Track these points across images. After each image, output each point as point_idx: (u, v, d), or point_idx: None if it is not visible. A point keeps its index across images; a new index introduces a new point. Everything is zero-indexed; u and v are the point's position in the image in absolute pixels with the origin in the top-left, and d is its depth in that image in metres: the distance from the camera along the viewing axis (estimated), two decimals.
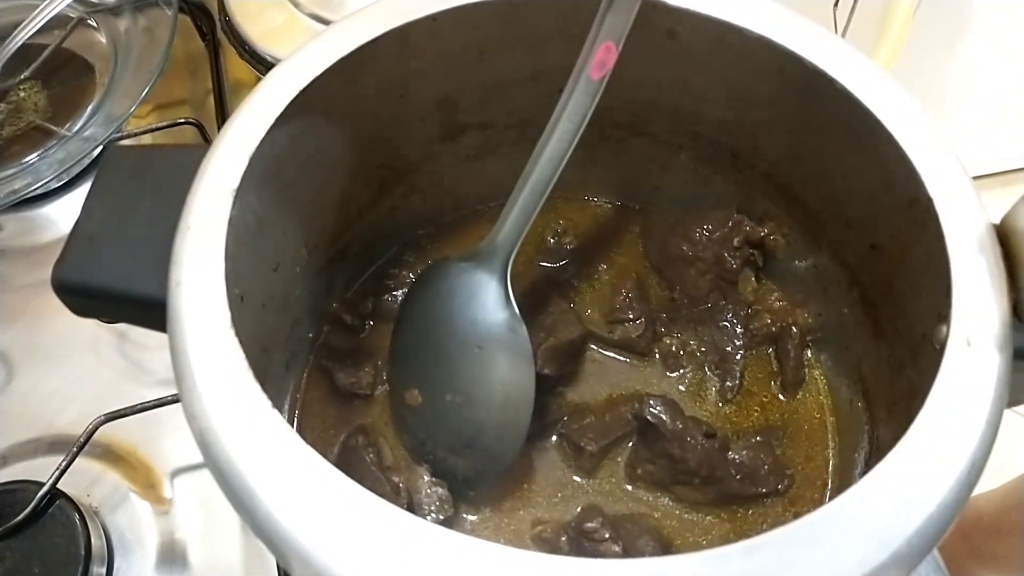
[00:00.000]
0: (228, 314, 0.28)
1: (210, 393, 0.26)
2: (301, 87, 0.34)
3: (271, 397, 0.41)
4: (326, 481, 0.25)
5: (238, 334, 0.27)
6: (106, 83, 0.65)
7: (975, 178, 0.32)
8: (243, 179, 0.32)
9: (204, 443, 0.26)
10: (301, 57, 0.35)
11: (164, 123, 0.62)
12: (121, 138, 0.64)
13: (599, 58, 0.36)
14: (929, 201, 0.31)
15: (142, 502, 0.52)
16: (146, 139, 0.66)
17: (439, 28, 0.39)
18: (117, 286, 0.31)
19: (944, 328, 0.29)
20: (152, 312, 0.31)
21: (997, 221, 0.31)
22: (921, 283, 0.34)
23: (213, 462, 0.26)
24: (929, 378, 0.29)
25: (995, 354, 0.27)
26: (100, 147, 0.63)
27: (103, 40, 0.67)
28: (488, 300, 0.39)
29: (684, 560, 0.23)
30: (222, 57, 0.69)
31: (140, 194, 0.33)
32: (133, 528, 0.52)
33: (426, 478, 0.41)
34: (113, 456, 0.55)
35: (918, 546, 0.24)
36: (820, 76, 0.35)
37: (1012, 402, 0.32)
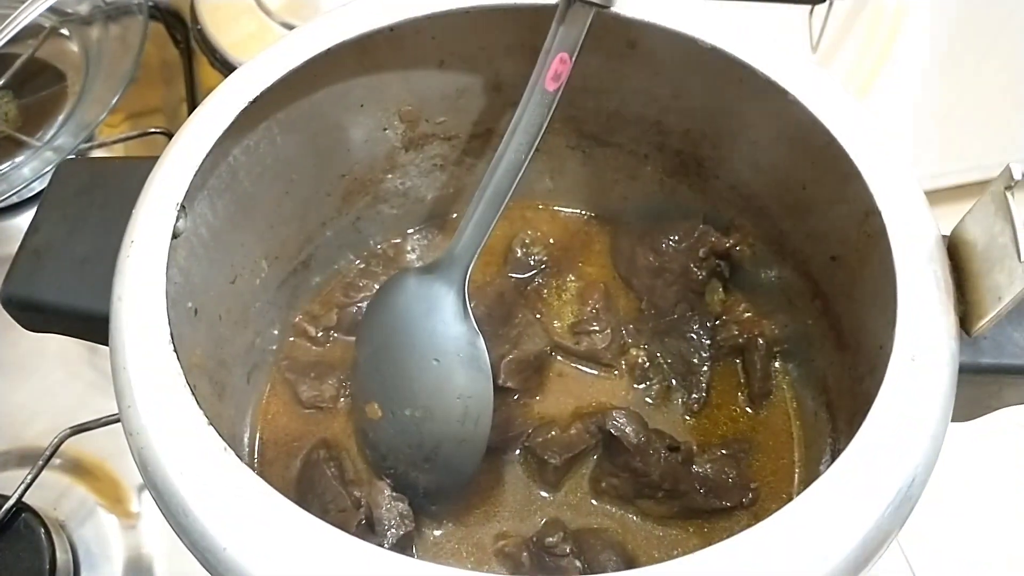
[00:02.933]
0: (168, 330, 0.27)
1: (148, 411, 0.26)
2: (251, 98, 0.33)
3: (230, 411, 0.41)
4: (263, 502, 0.25)
5: (178, 350, 0.27)
6: (77, 92, 0.64)
7: (935, 192, 0.32)
8: (191, 192, 0.32)
9: (142, 461, 0.26)
10: (252, 68, 0.34)
11: (134, 132, 0.62)
12: (92, 147, 0.64)
13: (554, 70, 0.36)
14: (879, 213, 0.31)
15: (109, 516, 0.52)
16: (117, 148, 0.66)
17: (397, 38, 0.39)
18: (63, 301, 0.31)
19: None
20: (99, 327, 0.30)
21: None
22: (877, 295, 0.34)
23: (150, 480, 0.26)
24: None
25: (939, 369, 0.27)
26: (73, 156, 0.63)
27: (75, 49, 0.67)
28: (445, 312, 0.39)
29: None
30: (196, 65, 0.69)
31: (89, 208, 0.33)
32: (100, 542, 0.51)
33: (387, 492, 0.40)
34: (81, 469, 0.54)
35: (857, 561, 0.24)
36: (773, 87, 0.34)
37: (964, 416, 0.31)
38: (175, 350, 0.27)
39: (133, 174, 0.33)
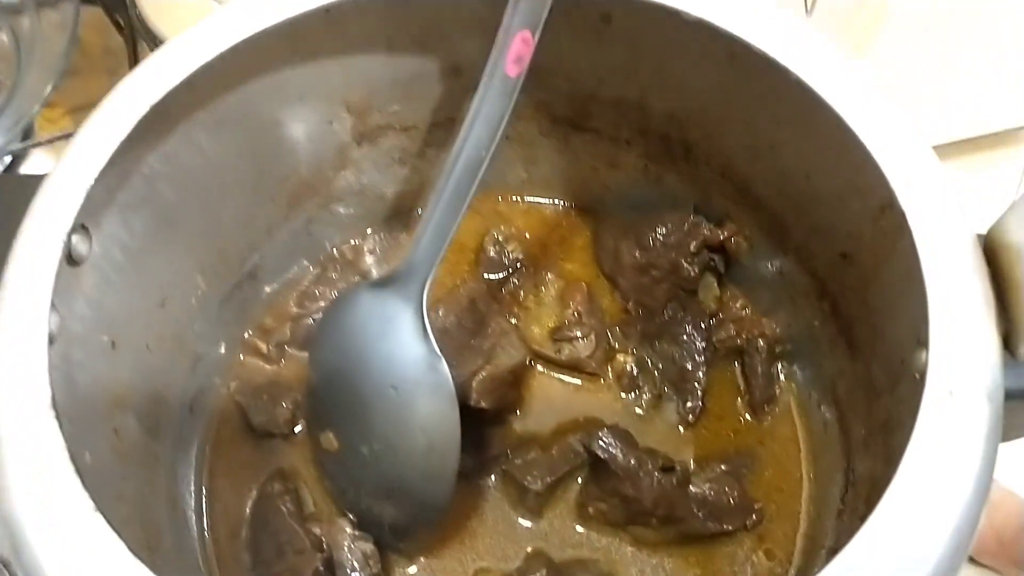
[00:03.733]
0: (49, 392, 0.23)
1: (22, 494, 0.21)
2: (153, 101, 0.28)
3: (167, 448, 0.37)
4: None
5: (62, 416, 0.22)
6: (9, 87, 0.59)
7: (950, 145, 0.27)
8: (94, 210, 0.27)
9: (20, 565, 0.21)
10: (158, 61, 0.29)
11: (73, 130, 0.57)
12: (30, 146, 0.59)
13: (515, 51, 0.31)
14: (900, 208, 0.26)
15: None
16: (60, 146, 0.61)
17: (335, 19, 0.34)
18: None
19: (923, 355, 0.25)
20: None
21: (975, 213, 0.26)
22: (898, 302, 0.29)
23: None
24: (909, 413, 0.24)
25: (983, 405, 0.22)
26: (8, 157, 0.58)
27: (4, 40, 0.61)
28: (402, 333, 0.34)
29: None
30: (141, 53, 0.63)
31: None
32: None
33: (348, 531, 0.36)
34: None
35: None
36: (771, 65, 0.29)
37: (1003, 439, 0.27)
38: (57, 417, 0.22)
39: (26, 195, 0.28)
